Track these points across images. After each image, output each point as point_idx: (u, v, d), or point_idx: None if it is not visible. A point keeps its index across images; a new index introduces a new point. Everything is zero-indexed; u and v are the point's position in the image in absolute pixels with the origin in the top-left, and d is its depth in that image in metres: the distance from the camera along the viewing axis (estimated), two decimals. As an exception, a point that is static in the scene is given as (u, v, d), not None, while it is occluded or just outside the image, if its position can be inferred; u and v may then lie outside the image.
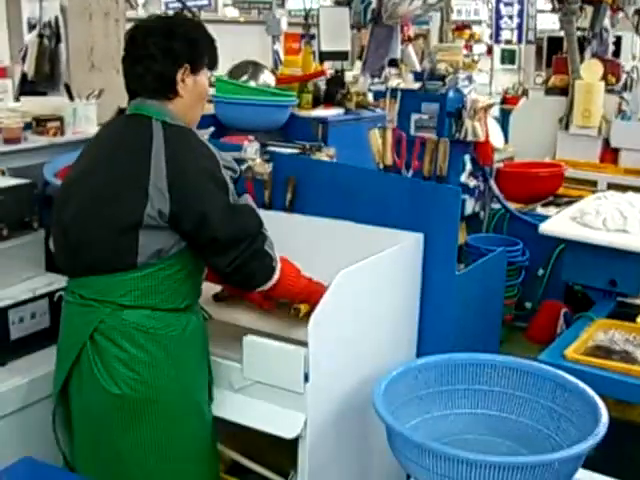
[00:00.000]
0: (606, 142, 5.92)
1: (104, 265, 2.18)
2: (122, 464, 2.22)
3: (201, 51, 2.32)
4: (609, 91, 6.04)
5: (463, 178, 3.97)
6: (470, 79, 4.37)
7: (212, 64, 2.39)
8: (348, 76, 4.29)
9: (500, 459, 1.91)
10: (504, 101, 8.11)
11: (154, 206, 2.12)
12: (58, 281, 2.86)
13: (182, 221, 2.16)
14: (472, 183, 4.06)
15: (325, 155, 2.97)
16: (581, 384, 2.16)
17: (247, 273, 2.25)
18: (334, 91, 3.78)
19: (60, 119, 3.09)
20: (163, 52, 2.23)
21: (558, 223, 3.37)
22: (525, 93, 8.04)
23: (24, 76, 4.68)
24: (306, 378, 2.22)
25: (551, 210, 4.38)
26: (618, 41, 7.59)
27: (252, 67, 3.65)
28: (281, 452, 2.52)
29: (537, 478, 1.88)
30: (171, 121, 2.23)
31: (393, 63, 4.48)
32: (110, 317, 2.18)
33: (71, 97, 3.29)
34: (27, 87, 4.59)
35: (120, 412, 2.19)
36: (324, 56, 4.23)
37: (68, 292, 2.33)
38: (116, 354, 2.17)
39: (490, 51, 11.25)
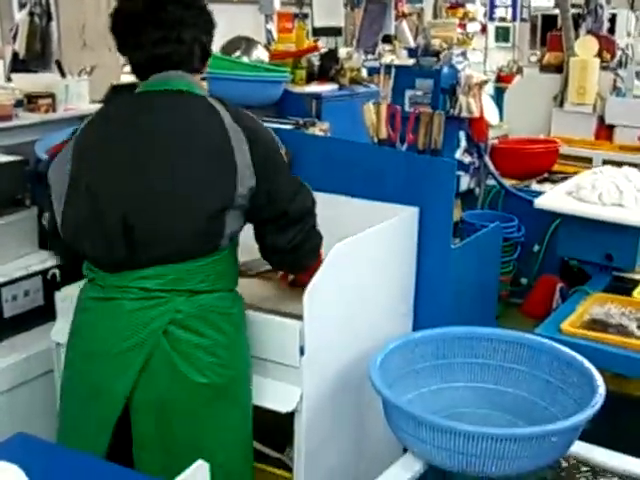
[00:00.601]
0: (601, 119, 5.92)
1: (184, 253, 2.03)
2: (202, 451, 1.96)
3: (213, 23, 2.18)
4: (604, 68, 6.05)
5: (458, 154, 3.96)
6: (464, 55, 4.37)
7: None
8: (342, 53, 4.26)
9: (498, 431, 1.91)
10: (498, 79, 8.09)
11: (244, 184, 2.03)
12: (51, 259, 2.85)
13: (258, 195, 2.07)
14: (467, 160, 4.06)
15: (319, 130, 2.95)
16: (578, 356, 2.17)
17: (303, 252, 2.18)
18: (328, 67, 3.76)
19: (52, 96, 3.06)
20: (196, 17, 2.10)
21: (554, 198, 3.36)
22: (520, 71, 8.02)
23: (15, 55, 4.66)
24: (301, 352, 2.21)
25: (546, 186, 4.38)
26: (613, 18, 7.59)
27: (245, 43, 3.62)
28: (277, 427, 2.52)
29: (535, 449, 1.89)
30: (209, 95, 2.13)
31: (387, 39, 4.46)
32: (186, 305, 2.04)
33: (63, 74, 3.26)
34: (18, 66, 4.56)
35: (206, 399, 2.07)
36: (317, 32, 4.21)
37: (112, 289, 2.06)
38: (197, 342, 2.04)
39: (484, 30, 11.22)
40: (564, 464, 2.08)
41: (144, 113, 2.09)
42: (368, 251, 2.45)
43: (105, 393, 2.06)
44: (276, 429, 2.55)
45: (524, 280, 4.16)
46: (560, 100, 5.95)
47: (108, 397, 2.06)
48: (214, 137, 2.04)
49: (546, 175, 4.67)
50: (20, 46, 4.55)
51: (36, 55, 4.56)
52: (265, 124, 2.26)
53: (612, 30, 7.42)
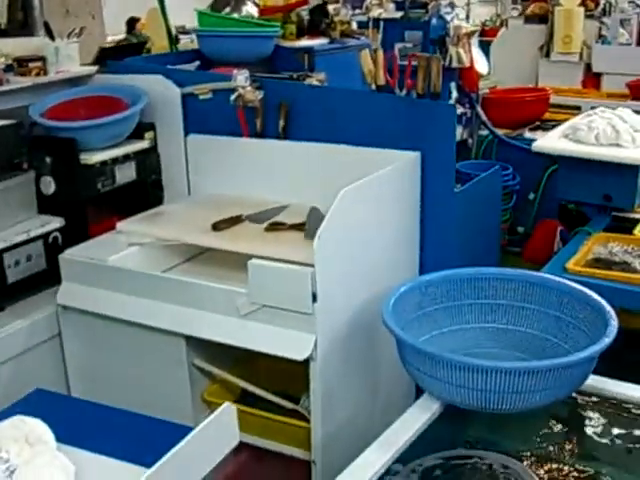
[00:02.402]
0: (588, 67, 5.91)
1: None
2: None
3: None
4: (588, 17, 6.02)
5: (450, 105, 3.94)
6: (452, 6, 4.34)
7: None
8: (329, 9, 4.23)
9: (516, 364, 1.93)
10: (482, 33, 8.04)
11: None
12: (51, 222, 2.82)
13: None
14: (459, 110, 4.04)
15: (316, 80, 2.93)
16: (587, 291, 2.17)
17: None
18: (318, 21, 3.73)
19: (42, 59, 3.01)
20: None
21: (551, 140, 3.36)
22: (504, 24, 7.98)
23: (-4, 25, 4.57)
24: (314, 298, 2.21)
25: (539, 134, 4.37)
26: (595, -34, 7.54)
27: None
28: (290, 378, 2.53)
29: (551, 382, 1.89)
30: None
31: (374, -7, 4.43)
32: None
33: (52, 37, 3.21)
34: (1, 36, 4.49)
35: None
36: (304, -13, 4.17)
37: None
38: None
39: (464, -14, 11.15)
40: (579, 399, 2.10)
41: None
42: (373, 196, 2.45)
43: None
44: (289, 381, 2.56)
45: (521, 229, 4.17)
46: (546, 50, 5.94)
47: None
48: None
49: (538, 123, 4.66)
50: (1, 15, 4.46)
51: (18, 24, 4.47)
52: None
53: (594, -22, 7.40)
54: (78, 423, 1.64)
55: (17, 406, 1.74)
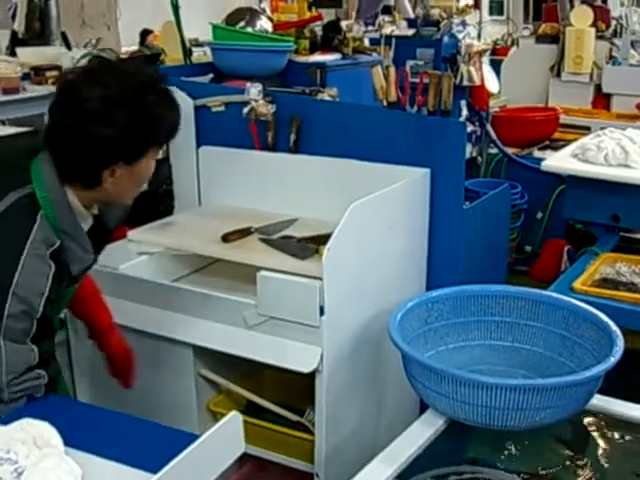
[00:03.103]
0: (598, 88, 5.91)
1: None
2: None
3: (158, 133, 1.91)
4: (599, 37, 6.03)
5: (460, 123, 3.96)
6: (464, 24, 4.36)
7: (168, 140, 2.04)
8: (342, 26, 4.26)
9: (521, 382, 1.94)
10: (494, 52, 8.08)
11: None
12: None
13: None
14: (469, 128, 4.06)
15: (327, 95, 2.95)
16: (593, 310, 2.17)
17: None
18: (331, 37, 3.76)
19: (58, 68, 3.05)
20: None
21: (560, 160, 3.38)
22: (515, 43, 8.01)
23: (14, 34, 4.62)
24: (321, 311, 2.22)
25: (548, 154, 4.39)
26: (606, -12, 7.59)
27: (249, 13, 3.62)
28: (295, 391, 2.54)
29: (555, 400, 1.89)
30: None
31: (386, 10, 4.46)
32: None
33: (68, 46, 3.25)
34: (18, 45, 4.53)
35: None
36: (317, 3, 4.21)
37: None
38: None
39: (477, 5, 11.19)
40: (583, 418, 2.10)
41: None
42: (382, 211, 2.47)
43: None
44: (293, 394, 2.57)
45: (528, 248, 4.19)
46: (557, 70, 5.94)
47: None
48: None
49: (547, 142, 4.68)
50: (19, 25, 4.51)
51: (35, 34, 4.52)
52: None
53: (605, 0, 7.44)
54: (85, 427, 1.65)
55: (25, 409, 1.75)
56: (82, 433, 1.61)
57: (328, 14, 4.30)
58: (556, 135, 4.83)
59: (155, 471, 1.39)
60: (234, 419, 1.53)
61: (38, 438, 1.47)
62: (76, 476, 1.41)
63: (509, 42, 8.23)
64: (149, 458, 1.47)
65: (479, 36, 9.46)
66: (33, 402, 1.78)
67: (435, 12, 4.34)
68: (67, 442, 1.53)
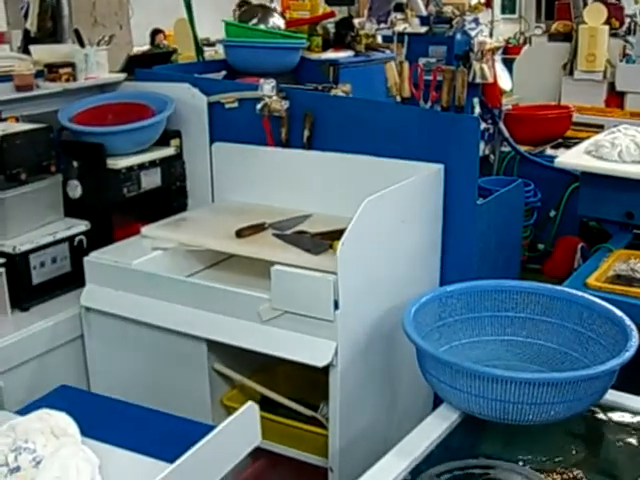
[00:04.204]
0: (611, 86, 5.90)
1: None
2: None
3: None
4: (613, 35, 6.02)
5: (473, 120, 3.95)
6: (477, 22, 4.36)
7: None
8: (355, 23, 4.26)
9: (536, 376, 1.93)
10: (506, 51, 8.06)
11: None
12: (77, 225, 2.86)
13: None
14: (482, 126, 4.05)
15: (341, 91, 2.95)
16: (608, 305, 2.16)
17: None
18: (344, 34, 3.76)
19: (72, 65, 3.05)
20: None
21: (574, 156, 3.37)
22: (527, 41, 7.99)
23: (27, 33, 4.63)
24: (336, 305, 2.23)
25: (561, 152, 4.38)
26: (620, -15, 7.54)
27: (261, 11, 3.62)
28: (309, 386, 2.55)
29: (570, 394, 1.89)
30: None
31: (398, 8, 4.46)
32: None
33: (82, 44, 3.26)
34: (30, 44, 4.54)
35: None
36: (330, 1, 4.21)
37: None
38: None
39: (489, 4, 11.15)
40: (597, 413, 2.10)
41: None
42: (396, 206, 2.47)
43: None
44: (307, 388, 2.58)
45: (541, 246, 4.18)
46: (570, 68, 5.94)
47: None
48: None
49: (560, 140, 4.67)
50: (31, 24, 4.52)
51: (48, 32, 4.53)
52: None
53: (619, -3, 7.41)
54: (102, 418, 1.67)
55: (43, 400, 1.77)
56: (98, 424, 1.62)
57: (341, 11, 4.30)
58: (569, 133, 4.82)
59: (171, 461, 1.39)
60: (250, 410, 1.54)
61: (55, 428, 1.48)
62: (93, 465, 1.42)
63: (521, 41, 8.20)
64: (165, 448, 1.49)
65: (491, 35, 9.44)
66: (50, 394, 1.79)
67: (447, 9, 4.35)
68: (83, 432, 1.54)
